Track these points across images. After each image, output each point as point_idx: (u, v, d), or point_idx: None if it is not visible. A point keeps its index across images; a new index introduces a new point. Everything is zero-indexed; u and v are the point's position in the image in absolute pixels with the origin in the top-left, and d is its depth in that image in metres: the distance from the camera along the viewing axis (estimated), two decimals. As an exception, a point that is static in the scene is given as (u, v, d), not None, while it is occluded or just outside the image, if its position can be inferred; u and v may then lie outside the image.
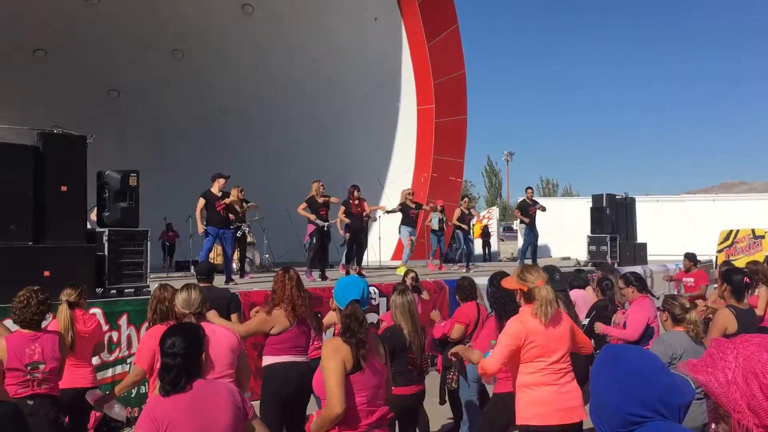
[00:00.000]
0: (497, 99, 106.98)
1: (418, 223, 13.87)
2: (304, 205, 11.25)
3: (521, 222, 14.93)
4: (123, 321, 7.05)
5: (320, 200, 11.12)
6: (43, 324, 4.72)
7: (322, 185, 11.24)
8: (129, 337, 7.10)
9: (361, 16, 17.72)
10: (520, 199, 15.44)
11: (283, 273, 5.25)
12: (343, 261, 12.04)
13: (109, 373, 6.90)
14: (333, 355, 3.23)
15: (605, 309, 6.88)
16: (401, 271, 12.32)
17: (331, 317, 5.78)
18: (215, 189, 10.54)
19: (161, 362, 2.90)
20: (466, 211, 14.35)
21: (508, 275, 4.33)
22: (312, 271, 11.02)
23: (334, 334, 4.98)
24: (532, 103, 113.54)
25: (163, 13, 17.04)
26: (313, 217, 11.18)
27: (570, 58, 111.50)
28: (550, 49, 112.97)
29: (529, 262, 13.71)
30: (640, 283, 6.34)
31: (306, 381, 4.84)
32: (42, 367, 4.43)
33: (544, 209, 14.36)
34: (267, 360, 5.04)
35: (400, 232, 13.69)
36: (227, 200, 10.58)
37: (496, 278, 5.03)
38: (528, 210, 14.39)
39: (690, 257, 10.81)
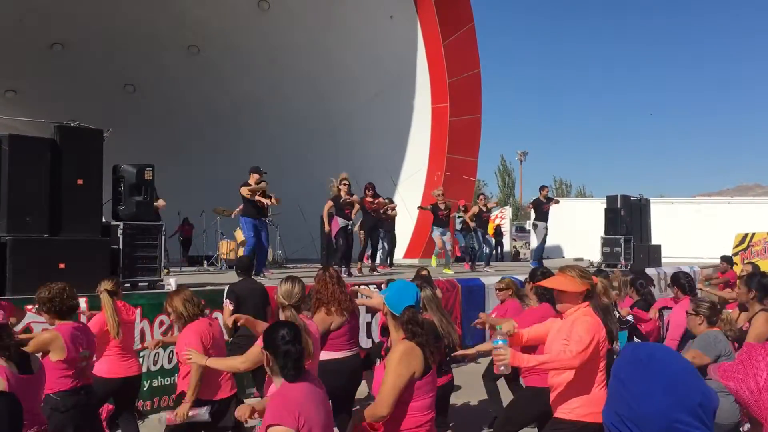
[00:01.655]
0: (511, 98, 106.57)
1: (450, 223, 14.03)
2: (330, 204, 11.30)
3: (536, 218, 14.83)
4: (137, 315, 7.10)
5: (344, 199, 11.19)
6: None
7: (348, 183, 11.27)
8: (142, 331, 7.14)
9: (376, 13, 17.69)
10: (534, 197, 15.40)
11: (323, 272, 5.44)
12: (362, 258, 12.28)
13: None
14: (402, 359, 3.24)
15: (646, 307, 7.03)
16: (447, 271, 12.48)
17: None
18: (252, 182, 10.83)
19: (282, 351, 3.05)
20: (484, 209, 14.38)
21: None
22: (342, 270, 11.06)
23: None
24: (546, 103, 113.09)
25: (179, 9, 17.10)
26: (327, 225, 11.33)
27: (586, 59, 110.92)
28: (566, 49, 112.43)
29: (545, 262, 13.71)
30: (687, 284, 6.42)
31: (356, 375, 5.35)
32: (87, 356, 4.53)
33: (557, 201, 14.65)
34: (324, 355, 5.13)
35: (432, 232, 13.82)
36: (265, 198, 10.92)
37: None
38: (542, 207, 14.42)
39: (726, 260, 10.97)
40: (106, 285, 5.38)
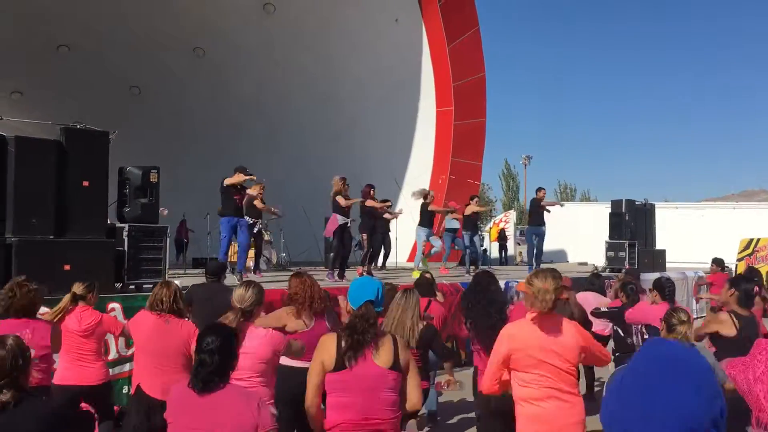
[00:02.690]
0: (516, 102, 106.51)
1: (434, 225, 13.82)
2: (340, 197, 10.95)
3: (532, 222, 14.59)
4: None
5: (349, 198, 11.12)
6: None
7: (347, 184, 11.16)
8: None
9: (381, 17, 17.73)
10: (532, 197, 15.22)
11: (299, 275, 5.24)
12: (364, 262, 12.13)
13: (127, 367, 6.94)
14: (316, 353, 3.35)
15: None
16: (416, 274, 12.31)
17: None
18: (235, 180, 10.18)
19: (197, 359, 2.97)
20: (477, 209, 14.25)
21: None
22: (334, 272, 10.95)
23: None
24: (551, 107, 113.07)
25: (185, 12, 17.15)
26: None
27: (591, 64, 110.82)
28: (571, 53, 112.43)
29: (543, 265, 13.62)
30: (668, 291, 6.34)
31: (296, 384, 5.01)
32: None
33: (562, 205, 14.47)
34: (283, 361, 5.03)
35: (418, 236, 13.47)
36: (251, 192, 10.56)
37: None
38: (537, 208, 14.20)
39: (717, 262, 10.95)
40: (76, 287, 5.28)
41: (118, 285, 7.62)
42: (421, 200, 13.15)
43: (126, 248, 7.70)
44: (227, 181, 10.14)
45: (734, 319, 5.00)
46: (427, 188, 16.63)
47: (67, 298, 5.22)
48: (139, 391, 4.72)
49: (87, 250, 7.22)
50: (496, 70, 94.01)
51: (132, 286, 7.79)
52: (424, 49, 18.23)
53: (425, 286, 6.82)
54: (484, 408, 4.61)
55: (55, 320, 4.97)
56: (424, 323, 5.24)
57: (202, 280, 7.37)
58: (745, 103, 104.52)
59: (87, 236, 7.32)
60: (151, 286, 7.91)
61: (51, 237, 7.05)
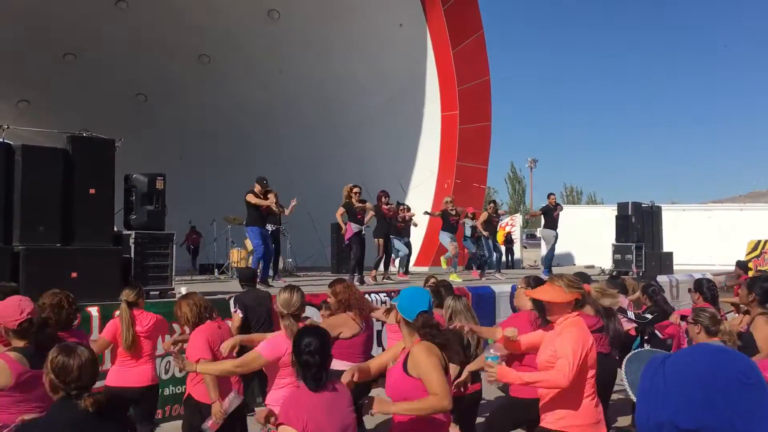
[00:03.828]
0: (522, 106, 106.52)
1: (458, 230, 14.01)
2: (342, 210, 11.37)
3: (546, 225, 14.87)
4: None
5: (357, 205, 11.25)
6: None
7: (359, 191, 11.35)
8: (154, 339, 7.15)
9: (386, 22, 17.74)
10: (543, 204, 15.41)
11: (344, 281, 5.59)
12: (381, 268, 12.28)
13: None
14: (430, 352, 3.31)
15: (661, 313, 7.01)
16: (454, 278, 12.41)
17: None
18: (254, 200, 10.71)
19: (300, 360, 3.17)
20: (493, 215, 14.40)
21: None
22: (353, 278, 10.99)
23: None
24: (556, 110, 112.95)
25: (190, 19, 17.22)
26: (343, 227, 11.33)
27: (596, 67, 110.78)
28: (576, 57, 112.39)
29: (555, 270, 13.65)
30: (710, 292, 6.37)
31: (366, 386, 5.14)
32: None
33: (561, 208, 14.72)
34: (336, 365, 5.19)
35: (440, 238, 13.84)
36: (269, 202, 10.80)
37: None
38: (552, 215, 14.45)
39: (741, 265, 10.89)
40: (126, 295, 5.32)
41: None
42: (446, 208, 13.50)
43: (132, 255, 7.73)
44: (249, 199, 10.64)
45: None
46: (433, 191, 16.75)
47: (124, 308, 5.23)
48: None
49: (94, 257, 7.24)
50: (501, 74, 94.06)
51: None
52: (428, 53, 18.23)
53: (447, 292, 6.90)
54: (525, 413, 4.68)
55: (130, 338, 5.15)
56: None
57: (209, 285, 7.45)
58: (751, 105, 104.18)
59: (94, 244, 7.34)
60: (158, 293, 7.95)
61: (58, 245, 7.08)
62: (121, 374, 5.24)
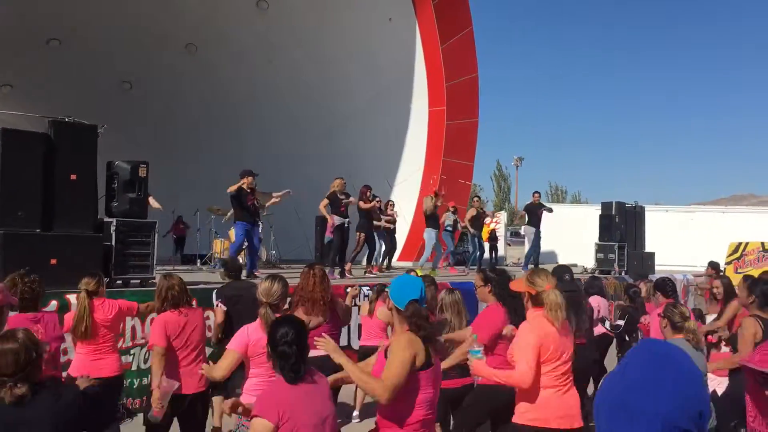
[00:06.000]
0: (508, 103, 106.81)
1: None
2: (326, 201, 11.29)
3: (528, 223, 14.93)
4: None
5: (341, 197, 11.20)
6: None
7: (344, 183, 11.34)
8: (133, 328, 7.09)
9: (375, 16, 17.69)
10: (528, 202, 15.46)
11: (308, 269, 5.48)
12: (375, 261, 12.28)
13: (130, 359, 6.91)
14: (408, 346, 3.26)
15: (636, 314, 7.09)
16: (433, 273, 12.42)
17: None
18: (245, 185, 10.61)
19: (278, 351, 3.11)
20: (481, 211, 14.40)
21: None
22: (334, 270, 10.96)
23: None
24: (543, 108, 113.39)
25: (178, 7, 17.06)
26: (330, 219, 11.25)
27: (582, 65, 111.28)
28: (563, 54, 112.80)
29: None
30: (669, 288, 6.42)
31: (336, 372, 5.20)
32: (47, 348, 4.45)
33: (551, 210, 14.65)
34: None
35: (425, 235, 13.71)
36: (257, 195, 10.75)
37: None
38: (537, 213, 14.49)
39: (713, 266, 10.92)
40: (85, 284, 5.26)
41: (105, 280, 7.55)
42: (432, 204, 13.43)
43: (113, 243, 7.64)
44: (229, 190, 10.53)
45: (760, 324, 5.02)
46: (419, 187, 16.73)
47: (83, 297, 5.17)
48: None
49: (74, 244, 7.16)
50: (488, 71, 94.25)
51: (119, 282, 7.73)
52: (417, 48, 18.20)
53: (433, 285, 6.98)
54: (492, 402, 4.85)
55: (83, 328, 5.09)
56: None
57: (191, 275, 7.38)
58: (735, 107, 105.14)
59: (74, 230, 7.26)
60: (138, 281, 7.88)
61: (38, 230, 6.99)
62: (84, 365, 5.14)
